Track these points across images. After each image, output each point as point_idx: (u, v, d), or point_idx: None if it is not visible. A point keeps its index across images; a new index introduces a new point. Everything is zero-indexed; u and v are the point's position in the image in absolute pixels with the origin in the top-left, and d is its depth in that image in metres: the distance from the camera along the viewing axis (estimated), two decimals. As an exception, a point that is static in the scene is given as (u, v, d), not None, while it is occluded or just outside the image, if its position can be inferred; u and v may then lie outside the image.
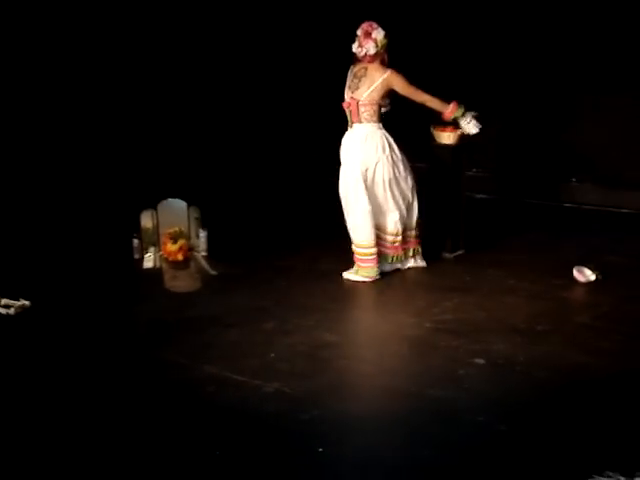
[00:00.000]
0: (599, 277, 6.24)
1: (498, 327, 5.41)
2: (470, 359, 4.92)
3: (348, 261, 6.52)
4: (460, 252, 6.90)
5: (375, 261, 6.34)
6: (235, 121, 10.21)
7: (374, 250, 6.33)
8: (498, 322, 5.50)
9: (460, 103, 6.37)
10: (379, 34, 6.18)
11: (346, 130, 6.39)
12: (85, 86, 9.26)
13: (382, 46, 6.19)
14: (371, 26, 6.20)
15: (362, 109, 6.23)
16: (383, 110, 6.32)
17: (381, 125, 6.31)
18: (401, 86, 6.22)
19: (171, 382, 4.72)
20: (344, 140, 6.40)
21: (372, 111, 6.24)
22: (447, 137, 6.60)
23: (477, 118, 6.42)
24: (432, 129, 6.63)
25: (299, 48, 9.65)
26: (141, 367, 4.93)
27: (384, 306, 6.10)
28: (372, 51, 6.16)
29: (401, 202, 6.39)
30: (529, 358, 4.92)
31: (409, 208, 6.46)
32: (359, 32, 6.23)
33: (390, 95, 6.30)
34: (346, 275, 6.38)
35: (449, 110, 6.32)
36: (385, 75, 6.19)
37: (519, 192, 8.75)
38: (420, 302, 6.02)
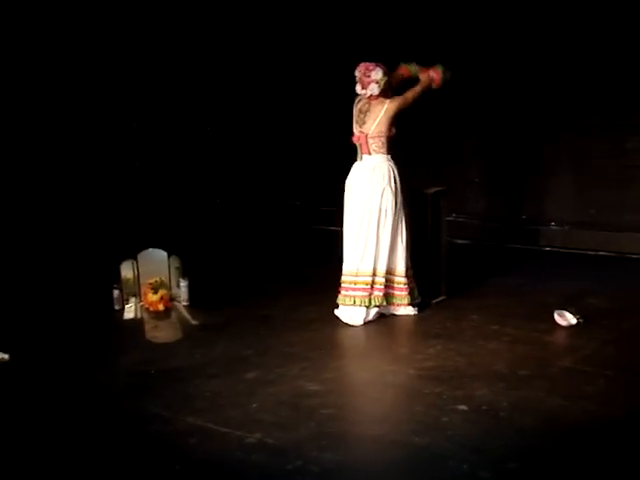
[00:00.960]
0: (580, 321, 6.25)
1: (481, 373, 5.40)
2: (453, 406, 4.90)
3: (328, 309, 6.54)
4: (442, 298, 6.91)
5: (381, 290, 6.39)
6: (213, 168, 10.28)
7: (369, 280, 6.36)
8: (481, 368, 5.48)
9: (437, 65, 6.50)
10: (378, 74, 6.27)
11: (351, 164, 6.52)
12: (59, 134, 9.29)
13: (384, 84, 6.29)
14: (368, 68, 6.30)
15: (371, 141, 6.36)
16: (393, 132, 6.39)
17: (390, 157, 6.42)
18: (401, 103, 6.33)
19: (153, 434, 4.66)
20: (353, 170, 6.51)
21: (380, 143, 6.36)
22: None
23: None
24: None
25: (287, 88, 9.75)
26: (122, 419, 4.86)
27: (366, 354, 6.08)
28: (376, 92, 6.30)
29: (390, 239, 6.40)
30: (512, 403, 4.90)
31: (396, 248, 6.47)
32: (358, 74, 6.33)
33: (394, 123, 6.37)
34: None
35: (434, 77, 6.42)
36: (385, 106, 6.31)
37: (499, 237, 8.81)
38: (402, 349, 6.02)
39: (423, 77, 6.46)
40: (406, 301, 6.53)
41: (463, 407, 4.88)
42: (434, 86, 6.50)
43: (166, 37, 9.84)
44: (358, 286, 6.39)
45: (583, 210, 8.55)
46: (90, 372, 5.58)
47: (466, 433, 4.59)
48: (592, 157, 8.45)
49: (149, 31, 9.71)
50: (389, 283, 6.46)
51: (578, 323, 6.23)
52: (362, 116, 6.39)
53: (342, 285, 6.46)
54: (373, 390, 5.34)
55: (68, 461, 4.38)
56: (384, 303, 6.45)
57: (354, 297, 6.38)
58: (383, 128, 6.32)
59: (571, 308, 6.34)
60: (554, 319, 6.27)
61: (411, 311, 6.56)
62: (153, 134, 10.01)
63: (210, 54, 10.00)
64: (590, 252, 8.35)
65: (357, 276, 6.39)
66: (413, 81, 6.49)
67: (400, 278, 6.49)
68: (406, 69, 6.53)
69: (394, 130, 6.38)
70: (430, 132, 8.88)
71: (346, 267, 6.46)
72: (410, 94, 6.37)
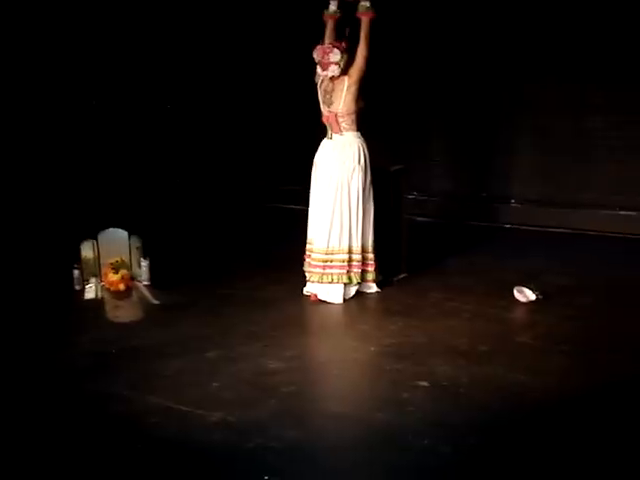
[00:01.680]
0: (539, 297, 6.32)
1: (441, 349, 5.44)
2: (414, 382, 4.93)
3: (291, 288, 6.58)
4: (403, 275, 6.95)
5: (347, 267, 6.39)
6: (173, 147, 10.22)
7: (346, 257, 6.38)
8: (441, 344, 5.53)
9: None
10: (336, 56, 6.25)
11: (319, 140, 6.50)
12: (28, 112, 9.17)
13: (343, 63, 6.27)
14: (325, 51, 6.28)
15: (341, 120, 6.36)
16: (361, 105, 6.36)
17: (359, 134, 6.42)
18: (359, 74, 6.26)
19: (113, 414, 4.64)
20: (321, 148, 6.50)
21: (350, 120, 6.36)
22: None
23: None
24: None
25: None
26: (82, 399, 4.83)
27: (328, 331, 6.10)
28: (337, 73, 6.29)
29: (362, 216, 6.42)
30: (472, 379, 4.95)
31: (367, 225, 6.48)
32: (317, 57, 6.30)
33: (361, 95, 6.34)
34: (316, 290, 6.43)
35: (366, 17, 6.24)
36: (346, 84, 6.29)
37: (460, 214, 8.86)
38: (364, 326, 6.04)
39: (366, 29, 6.22)
40: (373, 277, 6.56)
41: (424, 383, 4.92)
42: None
43: (128, 15, 9.71)
44: (335, 264, 6.39)
45: (542, 188, 8.62)
46: (50, 352, 5.54)
47: (427, 409, 4.63)
48: (552, 135, 8.52)
49: (109, 7, 9.59)
50: (363, 260, 6.49)
51: (537, 299, 6.30)
52: (328, 96, 6.38)
53: (312, 263, 6.47)
54: (335, 367, 5.35)
55: (28, 441, 4.35)
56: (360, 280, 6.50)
57: (331, 274, 6.39)
58: (350, 104, 6.31)
59: (530, 285, 6.40)
60: (514, 296, 6.33)
61: (375, 289, 6.59)
62: (113, 112, 9.91)
63: (171, 31, 9.90)
64: (550, 229, 8.43)
65: (332, 254, 6.40)
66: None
67: (370, 254, 6.52)
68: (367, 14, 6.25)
69: (362, 103, 6.37)
70: (392, 110, 8.88)
71: (319, 244, 6.45)
72: (361, 59, 6.23)
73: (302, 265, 6.60)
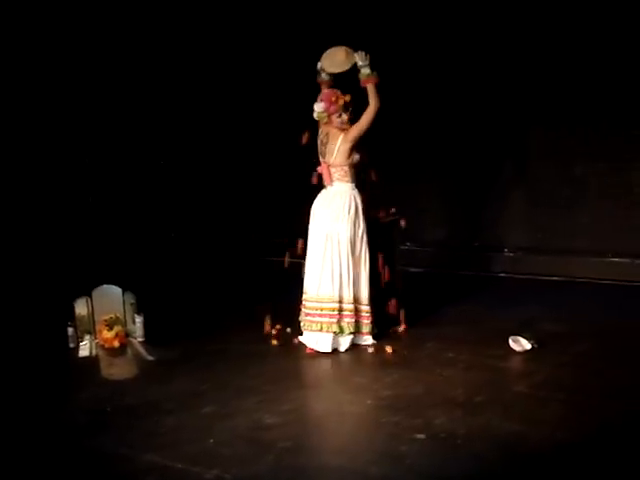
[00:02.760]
0: (535, 345, 6.32)
1: (438, 400, 5.42)
2: (411, 434, 4.91)
3: (284, 342, 6.62)
4: (402, 327, 6.92)
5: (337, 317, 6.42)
6: (166, 202, 10.26)
7: (336, 306, 6.41)
8: (437, 395, 5.51)
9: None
10: (318, 107, 6.38)
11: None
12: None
13: (322, 117, 6.39)
14: (323, 96, 6.42)
15: (333, 170, 6.46)
16: (355, 159, 6.43)
17: (354, 185, 6.49)
18: (356, 134, 6.36)
19: (110, 473, 4.61)
20: (318, 197, 6.58)
21: (343, 172, 6.45)
22: None
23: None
24: None
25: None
26: (79, 458, 4.80)
27: (324, 384, 6.09)
28: (315, 116, 6.41)
29: (353, 267, 6.45)
30: (469, 430, 4.93)
31: (360, 276, 6.49)
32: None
33: (356, 148, 6.42)
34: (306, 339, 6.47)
35: (371, 83, 6.29)
36: (341, 138, 6.39)
37: (452, 264, 8.88)
38: (359, 378, 6.02)
39: (375, 100, 6.30)
40: (369, 330, 6.55)
41: (421, 436, 4.89)
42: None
43: (115, 72, 9.81)
44: (324, 312, 6.42)
45: (534, 235, 8.67)
46: (46, 411, 5.51)
47: (424, 462, 4.60)
48: (541, 183, 8.59)
49: (97, 64, 9.68)
50: (356, 311, 6.49)
51: (532, 348, 6.30)
52: (323, 148, 6.49)
53: (305, 311, 6.51)
54: (331, 421, 5.34)
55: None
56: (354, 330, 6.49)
57: (320, 323, 6.42)
58: (342, 158, 6.40)
59: (525, 333, 6.40)
60: (509, 345, 6.33)
61: (371, 341, 6.58)
62: (105, 169, 9.95)
63: (160, 85, 9.98)
64: (542, 277, 8.45)
65: (322, 302, 6.42)
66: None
67: (365, 306, 6.53)
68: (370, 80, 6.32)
69: (357, 157, 6.44)
70: (382, 161, 8.93)
71: (309, 292, 6.50)
72: (364, 121, 6.33)
73: (296, 317, 6.62)
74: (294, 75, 9.11)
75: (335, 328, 6.41)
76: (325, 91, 6.46)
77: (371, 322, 6.55)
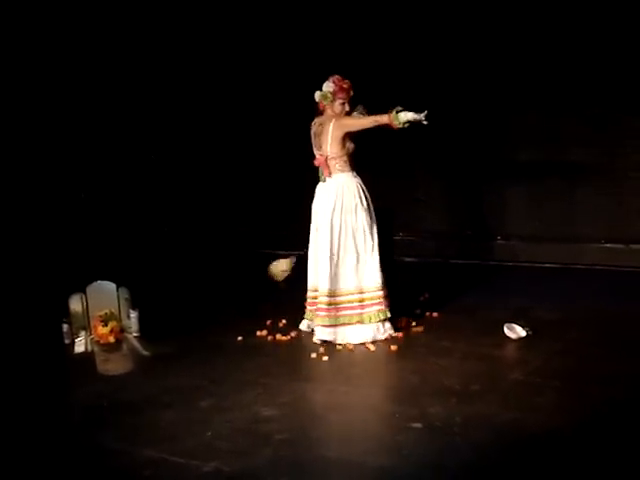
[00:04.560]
0: (530, 333, 6.34)
1: (434, 390, 5.44)
2: (408, 424, 4.92)
3: (281, 334, 6.61)
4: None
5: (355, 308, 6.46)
6: (159, 197, 10.24)
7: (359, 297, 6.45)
8: (433, 385, 5.53)
9: (392, 108, 6.20)
10: (327, 87, 6.37)
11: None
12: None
13: (322, 99, 6.37)
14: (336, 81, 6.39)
15: (332, 162, 6.42)
16: (350, 149, 6.42)
17: (355, 173, 6.48)
18: (344, 127, 6.35)
19: (108, 468, 4.61)
20: (318, 192, 6.55)
21: (342, 162, 6.42)
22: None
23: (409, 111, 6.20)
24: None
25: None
26: (76, 454, 4.80)
27: (320, 376, 6.09)
28: (317, 98, 6.39)
29: (369, 255, 6.46)
30: (466, 419, 4.95)
31: (375, 264, 6.48)
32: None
33: (349, 138, 6.40)
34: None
35: (389, 121, 6.18)
36: (331, 125, 6.36)
37: (445, 253, 8.89)
38: (355, 369, 6.03)
39: (384, 119, 6.21)
40: (385, 316, 6.52)
41: (417, 425, 4.91)
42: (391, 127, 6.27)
43: (104, 60, 9.77)
44: (372, 301, 6.44)
45: (528, 223, 8.67)
46: (42, 407, 5.52)
47: (421, 451, 4.62)
48: (535, 170, 8.58)
49: (86, 56, 9.65)
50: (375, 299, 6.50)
51: (527, 335, 6.32)
52: (317, 140, 6.46)
53: (330, 306, 6.43)
54: (328, 412, 5.35)
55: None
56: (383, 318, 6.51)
57: (362, 314, 6.43)
58: (337, 147, 6.38)
59: (520, 321, 6.42)
60: (504, 333, 6.35)
61: (390, 329, 6.56)
62: (98, 164, 9.94)
63: (150, 78, 9.95)
64: (536, 264, 8.47)
65: (343, 295, 6.44)
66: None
67: (380, 292, 6.49)
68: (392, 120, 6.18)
69: (351, 146, 6.42)
70: (376, 151, 8.93)
71: (326, 287, 6.42)
72: (358, 123, 6.34)
73: (293, 310, 6.64)
74: (286, 64, 9.15)
75: (380, 315, 6.44)
76: (337, 76, 6.44)
77: (386, 307, 6.52)
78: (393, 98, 6.28)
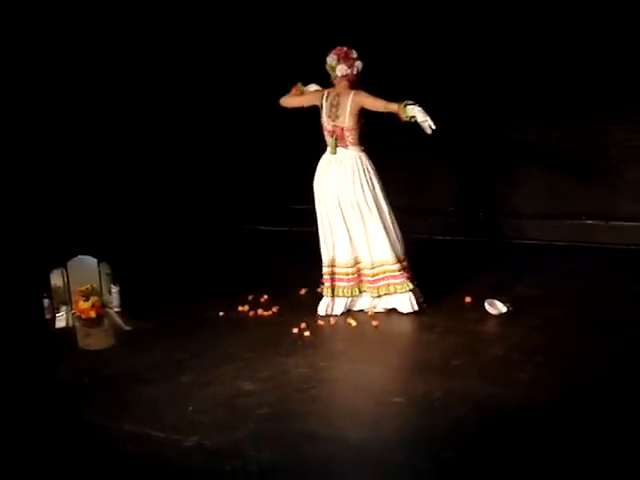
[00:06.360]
0: (510, 309, 6.38)
1: (415, 364, 5.48)
2: (389, 399, 4.96)
3: (262, 310, 6.64)
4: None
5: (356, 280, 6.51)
6: (140, 172, 10.19)
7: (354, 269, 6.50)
8: (414, 359, 5.57)
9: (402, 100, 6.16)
10: (331, 61, 6.37)
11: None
12: None
13: (330, 70, 6.38)
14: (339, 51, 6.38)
15: (347, 134, 6.39)
16: (362, 122, 6.42)
17: (363, 149, 6.48)
18: (361, 103, 6.32)
19: (89, 442, 4.62)
20: (323, 165, 6.52)
21: (357, 135, 6.41)
22: None
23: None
24: None
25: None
26: (58, 429, 4.81)
27: (301, 351, 6.07)
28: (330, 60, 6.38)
29: (385, 227, 6.49)
30: (446, 393, 4.98)
31: (399, 236, 6.56)
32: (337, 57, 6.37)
33: (363, 113, 6.39)
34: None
35: (397, 111, 6.14)
36: (350, 98, 6.34)
37: (426, 229, 8.89)
38: (337, 345, 6.06)
39: (389, 107, 6.20)
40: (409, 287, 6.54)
41: (398, 399, 4.94)
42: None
43: (96, 36, 9.70)
44: (398, 273, 6.47)
45: (508, 200, 8.70)
46: (23, 382, 5.51)
47: (402, 424, 4.66)
48: (514, 147, 8.59)
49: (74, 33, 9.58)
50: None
51: (508, 311, 6.36)
52: (334, 110, 6.40)
53: (353, 276, 6.52)
54: (308, 386, 5.35)
55: (4, 471, 4.32)
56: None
57: (388, 284, 6.47)
58: (353, 121, 6.35)
59: (501, 297, 6.46)
60: (485, 308, 6.39)
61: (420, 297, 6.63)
62: (79, 139, 9.87)
63: (137, 53, 9.87)
64: (516, 240, 8.50)
65: (401, 261, 6.50)
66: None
67: (404, 262, 6.56)
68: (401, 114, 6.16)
69: (363, 121, 6.41)
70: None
71: (379, 256, 6.48)
72: (373, 103, 6.27)
73: (277, 284, 6.64)
74: (271, 40, 9.10)
75: (406, 286, 6.47)
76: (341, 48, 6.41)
77: (409, 278, 6.54)
78: (395, 83, 6.26)
